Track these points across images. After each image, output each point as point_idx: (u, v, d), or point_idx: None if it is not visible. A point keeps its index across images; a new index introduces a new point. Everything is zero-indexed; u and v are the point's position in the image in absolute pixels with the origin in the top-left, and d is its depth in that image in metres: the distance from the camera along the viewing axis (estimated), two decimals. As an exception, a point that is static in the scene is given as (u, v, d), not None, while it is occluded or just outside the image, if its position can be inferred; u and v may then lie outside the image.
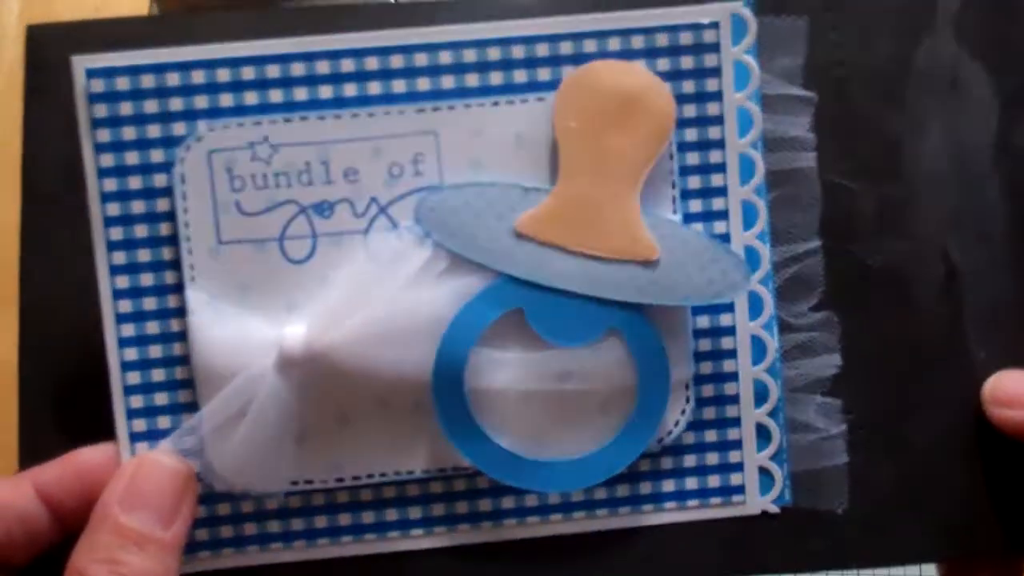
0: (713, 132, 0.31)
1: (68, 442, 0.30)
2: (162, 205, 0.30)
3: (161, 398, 0.31)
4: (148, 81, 0.30)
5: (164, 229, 0.30)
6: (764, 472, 0.32)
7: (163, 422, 0.31)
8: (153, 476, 0.29)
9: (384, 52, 0.30)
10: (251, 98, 0.30)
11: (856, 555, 0.32)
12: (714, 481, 0.32)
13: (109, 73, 0.30)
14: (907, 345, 0.33)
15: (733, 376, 0.32)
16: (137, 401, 0.31)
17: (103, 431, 0.31)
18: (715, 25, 0.31)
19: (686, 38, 0.31)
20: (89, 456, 0.30)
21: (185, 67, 0.30)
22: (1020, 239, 0.33)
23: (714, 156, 0.31)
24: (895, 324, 0.33)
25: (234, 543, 0.31)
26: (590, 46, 0.31)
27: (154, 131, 0.30)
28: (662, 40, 0.31)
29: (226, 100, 0.30)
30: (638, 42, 0.31)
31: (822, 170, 0.32)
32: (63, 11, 0.50)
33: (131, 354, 0.31)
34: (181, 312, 0.30)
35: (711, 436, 0.32)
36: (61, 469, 0.30)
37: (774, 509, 0.32)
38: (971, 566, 0.34)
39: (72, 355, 0.31)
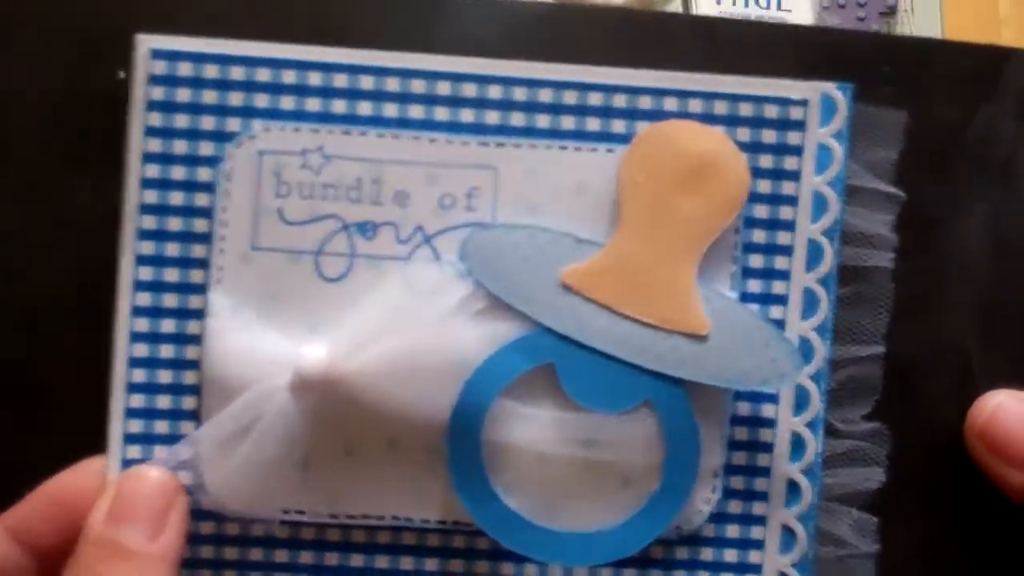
0: (785, 212, 0.30)
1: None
2: (201, 200, 0.29)
3: (164, 401, 0.29)
4: (211, 71, 0.29)
5: (199, 225, 0.29)
6: (784, 580, 0.30)
7: (160, 427, 0.29)
8: (138, 489, 0.27)
9: (457, 79, 0.29)
10: (313, 104, 0.29)
11: None
12: (730, 581, 0.30)
13: (173, 56, 0.29)
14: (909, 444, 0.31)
15: (766, 471, 0.30)
16: (138, 400, 0.29)
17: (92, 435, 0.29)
18: (804, 103, 0.29)
19: (771, 111, 0.29)
20: (67, 481, 0.28)
21: (251, 62, 0.29)
22: None
23: (782, 237, 0.30)
24: (896, 417, 0.31)
25: (212, 565, 0.29)
26: (671, 104, 0.29)
27: (208, 123, 0.29)
28: (746, 109, 0.29)
29: (287, 103, 0.29)
30: (721, 107, 0.29)
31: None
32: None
33: (141, 350, 0.29)
34: (200, 314, 0.29)
35: (733, 531, 0.30)
36: (33, 504, 0.28)
37: (788, 623, 0.30)
38: None
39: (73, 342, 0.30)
